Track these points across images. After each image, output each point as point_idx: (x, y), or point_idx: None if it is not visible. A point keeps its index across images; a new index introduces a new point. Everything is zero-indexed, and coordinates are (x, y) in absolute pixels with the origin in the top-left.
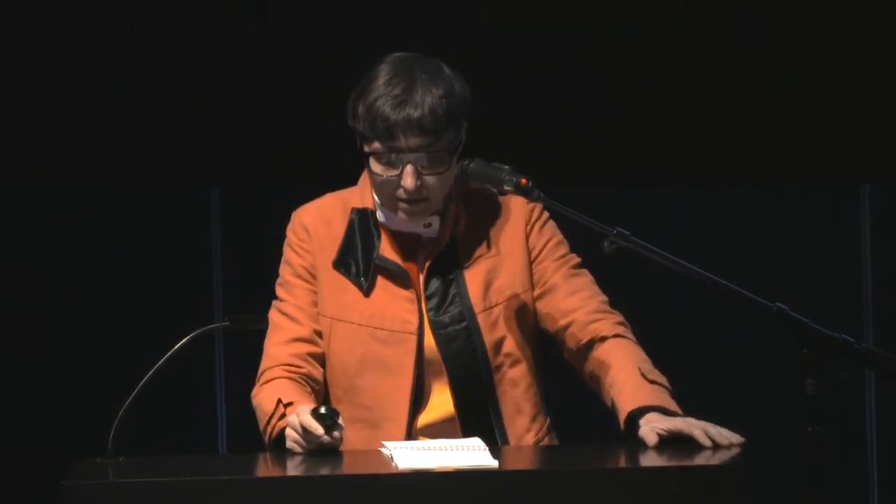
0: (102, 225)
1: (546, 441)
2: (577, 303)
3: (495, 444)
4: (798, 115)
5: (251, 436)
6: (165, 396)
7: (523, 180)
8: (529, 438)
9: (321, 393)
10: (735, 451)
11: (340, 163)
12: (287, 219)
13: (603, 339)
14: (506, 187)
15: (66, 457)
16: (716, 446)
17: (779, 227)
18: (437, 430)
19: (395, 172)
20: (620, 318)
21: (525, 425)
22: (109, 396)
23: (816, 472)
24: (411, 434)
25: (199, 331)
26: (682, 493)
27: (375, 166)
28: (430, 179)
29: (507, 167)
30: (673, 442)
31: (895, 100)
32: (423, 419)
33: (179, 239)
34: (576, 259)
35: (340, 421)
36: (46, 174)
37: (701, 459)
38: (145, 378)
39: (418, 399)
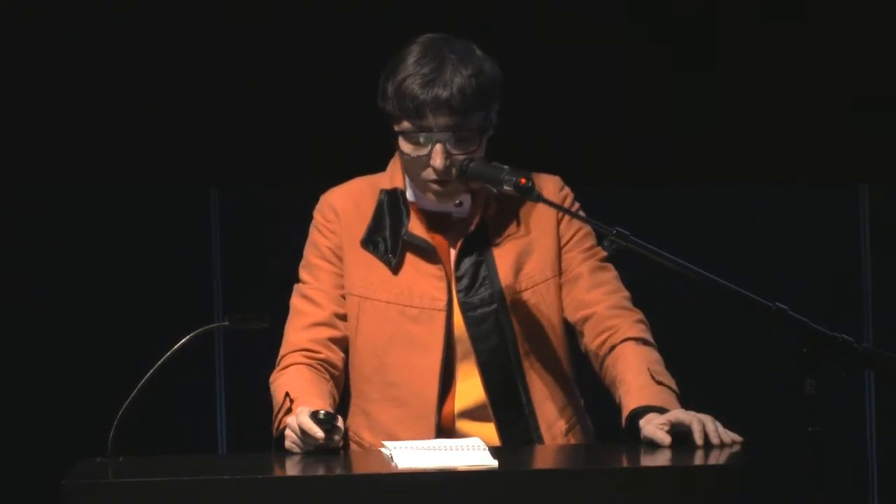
0: (102, 225)
1: (578, 428)
2: (599, 296)
3: (526, 430)
4: (797, 114)
5: (251, 436)
6: (165, 396)
7: (522, 180)
8: (560, 425)
9: (340, 378)
10: (734, 449)
11: (341, 162)
12: (288, 218)
13: (622, 340)
14: (505, 187)
15: (66, 457)
16: (708, 445)
17: (778, 227)
18: (473, 415)
19: (425, 152)
20: (640, 315)
21: (556, 412)
22: (109, 396)
23: (816, 472)
24: (441, 412)
25: (199, 331)
26: (682, 493)
27: (405, 146)
28: (459, 159)
29: (506, 167)
30: (674, 440)
31: (894, 99)
32: (459, 404)
33: (179, 239)
34: (603, 252)
35: (339, 424)
36: (45, 174)
37: (701, 459)
38: (145, 378)
39: (447, 376)
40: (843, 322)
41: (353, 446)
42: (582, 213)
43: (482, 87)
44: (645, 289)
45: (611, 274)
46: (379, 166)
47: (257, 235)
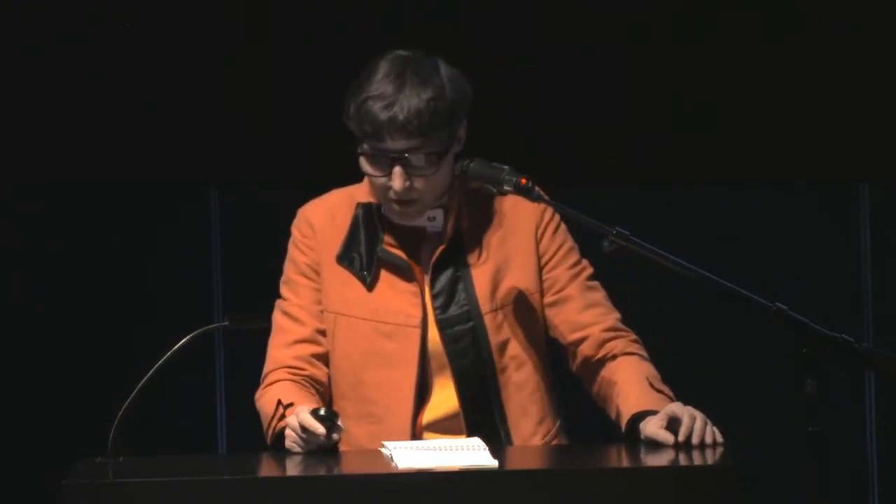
0: (102, 225)
1: (555, 444)
2: (592, 318)
3: (500, 445)
4: (797, 114)
5: (251, 436)
6: (165, 396)
7: (523, 180)
8: (536, 441)
9: (325, 394)
10: (724, 449)
11: (340, 162)
12: (288, 218)
13: (615, 356)
14: (505, 187)
15: (66, 457)
16: (688, 445)
17: (778, 227)
18: (442, 427)
19: (385, 173)
20: (634, 336)
21: (531, 428)
22: (109, 396)
23: (816, 472)
24: (416, 428)
25: (199, 331)
26: (682, 493)
27: (366, 166)
28: (419, 181)
29: (506, 167)
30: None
31: (894, 99)
32: (428, 415)
33: (179, 239)
34: (589, 269)
35: (340, 423)
36: (45, 174)
37: (700, 460)
38: (145, 378)
39: (422, 393)
40: (843, 322)
41: None
42: (563, 227)
43: (440, 110)
44: (645, 289)
45: (601, 294)
46: None
47: (257, 235)
